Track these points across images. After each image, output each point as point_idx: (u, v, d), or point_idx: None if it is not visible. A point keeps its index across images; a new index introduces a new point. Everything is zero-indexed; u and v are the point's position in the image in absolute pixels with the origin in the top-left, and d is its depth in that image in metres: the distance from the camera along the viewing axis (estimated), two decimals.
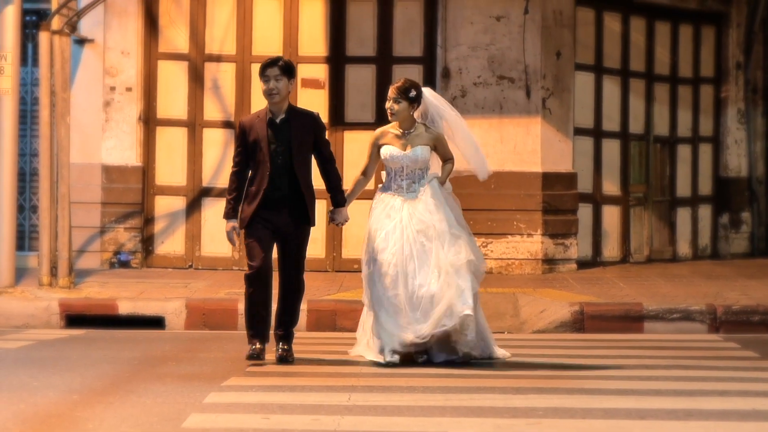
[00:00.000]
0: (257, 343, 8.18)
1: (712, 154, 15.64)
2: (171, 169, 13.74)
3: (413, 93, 8.44)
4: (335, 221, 8.55)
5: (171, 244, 13.72)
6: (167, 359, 8.53)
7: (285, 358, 8.29)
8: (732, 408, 6.52)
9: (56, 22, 11.78)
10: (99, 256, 13.52)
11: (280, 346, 8.35)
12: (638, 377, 7.67)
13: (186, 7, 13.74)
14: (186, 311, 10.63)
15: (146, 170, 13.68)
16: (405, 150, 8.43)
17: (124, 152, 13.59)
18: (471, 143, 8.76)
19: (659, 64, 15.14)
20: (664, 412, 6.41)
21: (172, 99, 13.76)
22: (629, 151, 14.76)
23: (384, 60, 13.71)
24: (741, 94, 15.67)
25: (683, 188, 15.34)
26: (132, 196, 13.58)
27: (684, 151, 15.39)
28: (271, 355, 8.33)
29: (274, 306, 8.40)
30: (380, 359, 8.17)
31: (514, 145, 13.53)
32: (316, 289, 11.26)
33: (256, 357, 8.13)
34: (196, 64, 13.75)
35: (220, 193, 12.99)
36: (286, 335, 8.40)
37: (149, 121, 13.72)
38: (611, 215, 14.50)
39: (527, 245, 13.48)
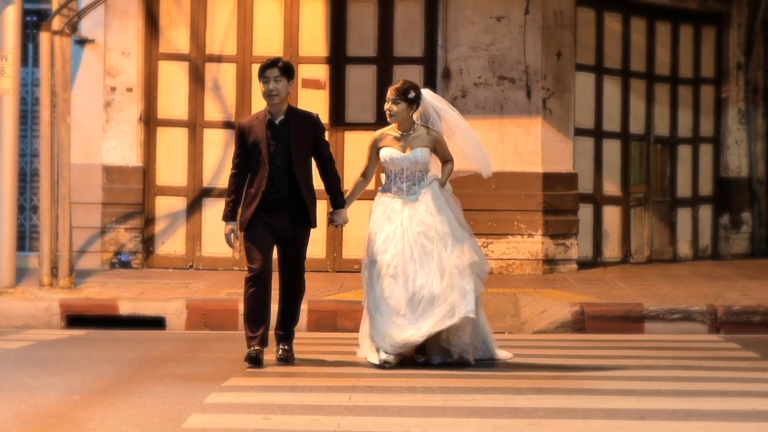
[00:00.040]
0: (255, 345, 8.15)
1: (712, 155, 15.64)
2: (171, 169, 13.75)
3: (412, 94, 8.42)
4: (334, 223, 8.53)
5: (171, 245, 13.72)
6: (168, 360, 8.53)
7: (285, 359, 8.29)
8: (732, 408, 6.52)
9: (57, 23, 11.78)
10: (99, 257, 13.53)
11: (281, 346, 8.35)
12: (639, 378, 7.67)
13: (186, 7, 13.75)
14: (186, 311, 10.63)
15: (147, 170, 13.68)
16: (405, 152, 8.40)
17: (125, 152, 13.59)
18: (473, 141, 8.73)
19: (660, 65, 15.14)
20: (664, 412, 6.41)
21: (173, 99, 13.76)
22: (630, 151, 14.76)
23: (384, 60, 13.71)
24: (741, 95, 15.67)
25: (684, 189, 15.34)
26: (132, 197, 13.58)
27: (684, 152, 15.39)
28: (271, 355, 8.34)
29: (275, 307, 8.40)
30: (374, 360, 8.15)
31: (514, 145, 13.54)
32: (316, 290, 11.26)
33: (255, 358, 8.10)
34: (197, 65, 13.75)
35: (220, 194, 12.98)
36: (286, 335, 8.39)
37: (150, 121, 13.73)
38: (612, 216, 14.51)
39: (528, 245, 13.48)
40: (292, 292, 8.37)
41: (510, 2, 13.51)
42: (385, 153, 8.44)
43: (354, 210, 8.71)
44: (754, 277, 13.05)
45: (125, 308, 10.72)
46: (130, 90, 13.56)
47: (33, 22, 13.61)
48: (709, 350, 9.18)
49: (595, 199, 14.35)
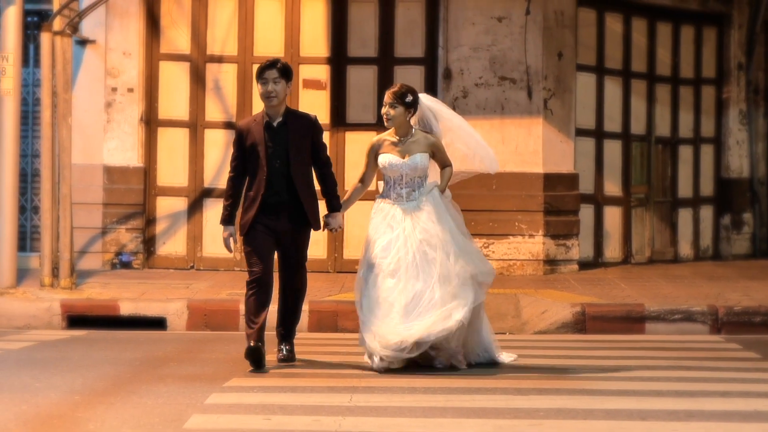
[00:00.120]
0: (254, 343, 8.07)
1: (713, 155, 15.64)
2: (172, 169, 13.75)
3: (409, 98, 8.31)
4: (329, 226, 8.45)
5: (172, 245, 13.72)
6: (169, 360, 8.53)
7: (286, 359, 8.28)
8: (733, 409, 6.52)
9: (58, 23, 11.78)
10: (100, 257, 13.53)
11: (282, 346, 8.35)
12: (640, 378, 7.67)
13: (187, 7, 13.75)
14: (187, 312, 10.63)
15: (148, 171, 13.68)
16: (403, 158, 8.30)
17: (126, 153, 13.59)
18: (474, 139, 8.64)
19: (661, 65, 15.13)
20: (665, 412, 6.41)
21: (174, 100, 13.76)
22: (631, 151, 14.76)
23: (385, 61, 13.71)
24: (742, 95, 15.67)
25: (685, 189, 15.34)
26: (133, 197, 13.59)
27: (685, 152, 15.39)
28: (272, 355, 8.33)
29: (275, 307, 8.39)
30: (368, 363, 8.11)
31: (515, 145, 13.53)
32: (317, 290, 11.26)
33: (256, 351, 7.95)
34: (198, 65, 13.75)
35: (221, 194, 12.88)
36: (287, 334, 8.39)
37: (151, 121, 13.73)
38: (613, 216, 14.50)
39: (529, 246, 13.48)
40: (293, 291, 8.36)
41: (511, 3, 13.51)
42: (384, 159, 8.34)
43: (355, 210, 8.70)
44: (756, 278, 13.05)
45: (126, 309, 10.73)
46: (131, 90, 13.57)
47: (34, 22, 13.61)
48: (710, 351, 9.17)
49: (596, 199, 14.35)
